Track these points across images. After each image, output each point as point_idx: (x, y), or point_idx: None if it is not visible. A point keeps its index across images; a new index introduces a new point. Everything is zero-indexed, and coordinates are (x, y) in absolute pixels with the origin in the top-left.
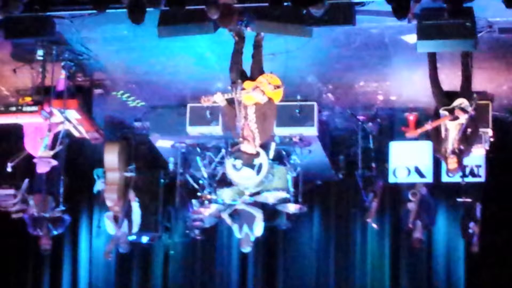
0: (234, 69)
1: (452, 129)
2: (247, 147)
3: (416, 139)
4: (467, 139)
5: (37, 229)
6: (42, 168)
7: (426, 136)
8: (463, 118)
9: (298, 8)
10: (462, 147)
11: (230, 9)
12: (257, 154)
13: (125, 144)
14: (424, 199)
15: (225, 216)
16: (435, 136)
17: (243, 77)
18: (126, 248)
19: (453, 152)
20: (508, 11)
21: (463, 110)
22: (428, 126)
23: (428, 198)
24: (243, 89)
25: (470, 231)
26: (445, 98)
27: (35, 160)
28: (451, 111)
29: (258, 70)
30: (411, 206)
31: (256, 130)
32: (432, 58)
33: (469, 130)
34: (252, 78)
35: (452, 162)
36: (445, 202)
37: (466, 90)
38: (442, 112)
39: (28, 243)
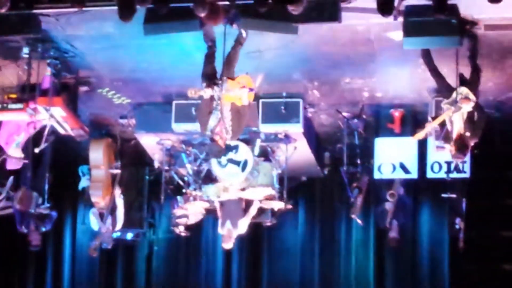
0: (209, 69)
1: (456, 120)
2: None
3: (400, 135)
4: (474, 124)
5: (23, 225)
6: (12, 165)
7: (410, 132)
8: (466, 106)
9: (280, 5)
10: (468, 133)
11: (217, 7)
12: (228, 148)
13: (110, 141)
14: (400, 199)
15: (217, 205)
16: (442, 130)
17: (215, 76)
18: (110, 244)
19: (460, 137)
20: (494, 8)
21: (466, 98)
22: (434, 123)
23: (404, 197)
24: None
25: (457, 226)
26: (448, 89)
27: (5, 156)
28: (453, 104)
29: (230, 67)
30: (389, 206)
31: (230, 128)
32: (427, 53)
33: (475, 115)
34: (225, 74)
35: (458, 148)
36: (430, 198)
37: (474, 82)
38: (444, 106)
39: (13, 239)
